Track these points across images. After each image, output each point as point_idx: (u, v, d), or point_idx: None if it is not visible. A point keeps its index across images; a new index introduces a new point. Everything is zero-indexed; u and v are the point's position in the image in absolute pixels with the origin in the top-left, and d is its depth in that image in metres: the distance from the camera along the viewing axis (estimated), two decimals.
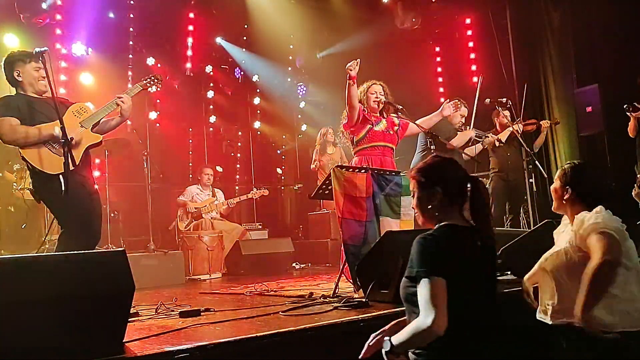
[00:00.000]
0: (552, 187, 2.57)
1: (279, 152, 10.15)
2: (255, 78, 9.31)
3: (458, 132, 5.49)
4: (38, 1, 6.57)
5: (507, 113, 5.99)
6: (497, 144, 5.98)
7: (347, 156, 7.41)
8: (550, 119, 6.76)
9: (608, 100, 6.27)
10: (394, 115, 4.42)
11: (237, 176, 9.54)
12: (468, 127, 5.72)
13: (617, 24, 6.35)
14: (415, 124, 4.37)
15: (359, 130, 4.27)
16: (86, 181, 3.43)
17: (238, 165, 9.60)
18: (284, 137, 10.08)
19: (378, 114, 4.36)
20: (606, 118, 6.29)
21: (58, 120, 3.19)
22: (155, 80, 3.86)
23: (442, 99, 6.00)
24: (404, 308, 2.04)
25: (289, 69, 9.52)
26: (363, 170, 3.92)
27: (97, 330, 2.09)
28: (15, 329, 1.88)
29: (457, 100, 4.86)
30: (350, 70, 3.97)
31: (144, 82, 3.83)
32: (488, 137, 5.76)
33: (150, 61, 8.05)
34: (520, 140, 5.73)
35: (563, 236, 2.48)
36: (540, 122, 6.28)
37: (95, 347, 2.04)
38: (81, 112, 3.53)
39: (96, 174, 6.77)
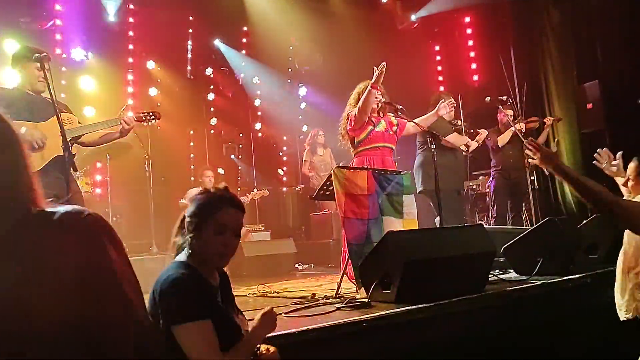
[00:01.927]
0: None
1: (280, 154, 10.17)
2: (255, 80, 9.33)
3: (454, 130, 5.45)
4: (38, 7, 6.60)
5: (510, 112, 5.99)
6: (499, 144, 5.98)
7: (336, 157, 7.43)
8: (551, 115, 6.76)
9: (609, 96, 6.27)
10: (391, 114, 4.42)
11: (239, 178, 9.56)
12: (459, 120, 5.70)
13: (618, 20, 6.34)
14: (415, 122, 4.38)
15: (360, 132, 4.28)
16: (58, 182, 3.30)
17: (239, 167, 9.61)
18: (284, 138, 10.09)
19: (376, 114, 4.37)
20: (607, 114, 6.28)
21: (33, 124, 3.30)
22: (153, 117, 3.90)
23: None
24: (406, 308, 2.04)
25: (289, 70, 9.53)
26: (364, 169, 3.93)
27: None
28: None
29: (451, 101, 4.86)
30: (381, 72, 3.97)
31: (142, 114, 3.86)
32: (480, 133, 5.72)
33: (151, 65, 8.07)
34: (522, 138, 5.73)
35: None
36: (544, 120, 6.28)
37: None
38: (66, 123, 3.50)
39: (98, 177, 6.81)
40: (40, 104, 3.46)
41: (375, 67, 4.02)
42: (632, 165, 2.66)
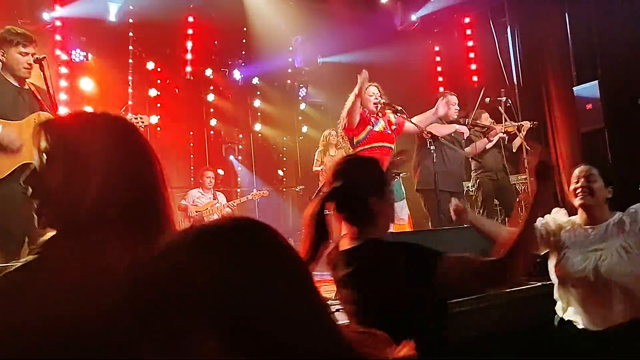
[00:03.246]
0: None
1: (280, 155, 10.16)
2: (255, 80, 9.32)
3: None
4: (38, 8, 6.60)
5: (486, 115, 5.96)
6: (486, 147, 5.97)
7: None
8: (550, 116, 6.76)
9: (608, 97, 6.26)
10: (389, 110, 4.43)
11: (239, 179, 9.55)
12: (466, 119, 5.67)
13: (617, 20, 6.34)
14: (412, 122, 4.38)
15: (359, 132, 4.29)
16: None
17: (239, 168, 9.61)
18: (284, 139, 10.09)
19: (375, 115, 4.38)
20: (607, 114, 6.28)
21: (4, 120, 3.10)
22: (141, 122, 3.92)
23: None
24: None
25: (289, 70, 9.52)
26: None
27: None
28: None
29: (449, 96, 4.85)
30: (363, 81, 4.02)
31: (133, 117, 3.88)
32: (493, 128, 5.71)
33: (150, 65, 8.07)
34: (521, 137, 5.76)
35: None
36: (521, 123, 6.26)
37: None
38: None
39: None
40: (17, 95, 3.20)
41: (358, 75, 4.06)
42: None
